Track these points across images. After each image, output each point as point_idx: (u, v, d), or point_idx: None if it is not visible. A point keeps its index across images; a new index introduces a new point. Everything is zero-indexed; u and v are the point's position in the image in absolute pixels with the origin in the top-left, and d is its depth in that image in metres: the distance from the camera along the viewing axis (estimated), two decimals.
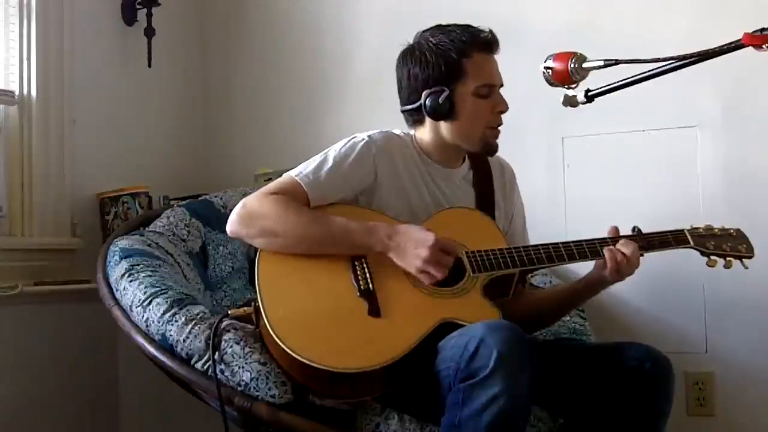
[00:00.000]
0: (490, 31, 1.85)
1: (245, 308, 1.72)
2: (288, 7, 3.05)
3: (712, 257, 1.79)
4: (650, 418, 1.68)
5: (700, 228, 1.83)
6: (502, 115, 1.86)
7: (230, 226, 1.78)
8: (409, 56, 1.87)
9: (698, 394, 2.43)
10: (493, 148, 1.87)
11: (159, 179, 2.79)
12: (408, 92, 1.88)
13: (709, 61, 1.42)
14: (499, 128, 1.86)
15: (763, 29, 1.32)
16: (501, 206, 1.96)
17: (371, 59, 2.85)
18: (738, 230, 1.85)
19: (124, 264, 1.99)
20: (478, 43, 1.82)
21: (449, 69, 1.81)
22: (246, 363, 1.67)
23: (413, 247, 1.67)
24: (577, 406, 1.76)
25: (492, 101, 1.84)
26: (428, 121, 1.88)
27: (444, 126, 1.86)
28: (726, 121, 2.43)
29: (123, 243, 2.10)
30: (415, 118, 1.90)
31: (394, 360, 1.58)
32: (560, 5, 2.63)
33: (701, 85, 2.40)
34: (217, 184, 2.79)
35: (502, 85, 1.87)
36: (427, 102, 1.83)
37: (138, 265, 1.98)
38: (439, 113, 1.83)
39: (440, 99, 1.81)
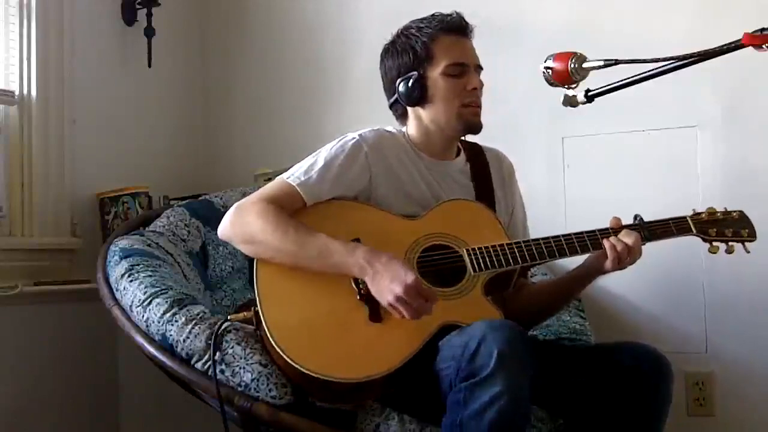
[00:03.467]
0: (458, 14, 1.87)
1: (245, 313, 1.71)
2: (288, 7, 3.05)
3: (714, 243, 1.78)
4: (649, 418, 1.68)
5: (702, 213, 1.81)
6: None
7: (221, 230, 1.79)
8: (385, 52, 1.92)
9: (698, 394, 2.43)
10: (474, 126, 1.86)
11: (159, 179, 2.79)
12: (387, 86, 1.92)
13: (709, 61, 1.41)
14: (478, 107, 1.85)
15: (763, 29, 1.32)
16: (501, 200, 1.96)
17: (371, 59, 2.80)
18: (740, 212, 1.82)
19: (124, 264, 1.99)
20: (444, 26, 1.85)
21: (417, 54, 1.84)
22: (247, 364, 1.67)
23: (389, 280, 1.60)
24: (576, 407, 1.76)
25: (464, 80, 1.84)
26: (410, 111, 1.90)
27: (423, 112, 1.87)
28: (726, 121, 2.43)
29: (123, 243, 2.10)
30: (399, 111, 1.92)
31: (395, 368, 1.58)
32: (560, 5, 2.63)
33: (701, 85, 2.40)
34: (217, 184, 2.79)
35: (480, 68, 1.87)
36: (400, 88, 1.86)
37: (138, 265, 1.98)
38: (412, 98, 1.85)
39: (410, 83, 1.84)
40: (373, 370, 1.57)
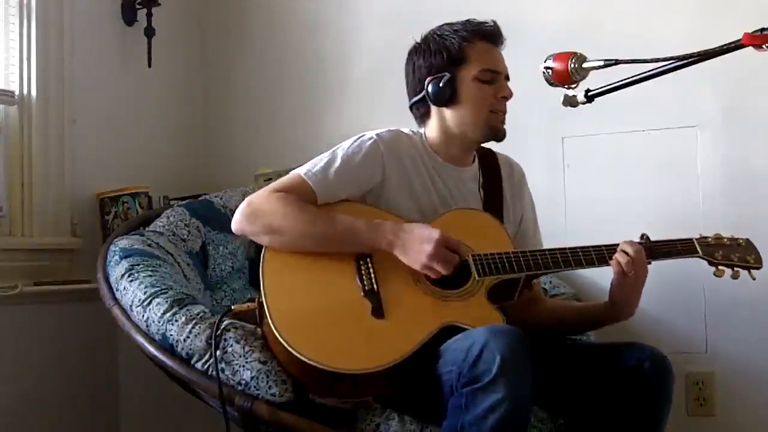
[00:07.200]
0: (494, 23, 1.88)
1: (249, 303, 1.72)
2: (288, 7, 3.05)
3: (720, 267, 1.78)
4: (650, 418, 1.68)
5: (709, 237, 1.82)
6: (508, 108, 1.87)
7: (235, 224, 1.79)
8: (415, 51, 1.91)
9: (698, 394, 2.43)
10: (500, 133, 1.87)
11: (159, 179, 2.79)
12: (413, 85, 1.91)
13: (709, 61, 1.42)
14: (504, 115, 1.87)
15: (763, 29, 1.32)
16: (510, 208, 1.96)
17: (371, 59, 2.85)
18: (747, 240, 1.83)
19: (125, 264, 1.99)
20: (480, 32, 1.86)
21: (451, 55, 1.84)
22: (246, 362, 1.67)
23: (418, 244, 1.67)
24: (577, 407, 1.76)
25: (495, 87, 1.85)
26: (434, 111, 1.89)
27: (448, 113, 1.87)
28: (726, 121, 2.43)
29: (123, 243, 2.10)
30: (422, 111, 1.91)
31: (395, 362, 1.58)
32: (560, 5, 2.63)
33: (701, 85, 2.40)
34: (217, 184, 2.79)
35: (508, 78, 1.88)
36: (429, 88, 1.85)
37: (138, 264, 1.98)
38: (441, 98, 1.85)
39: (441, 83, 1.83)
40: (373, 363, 1.58)
